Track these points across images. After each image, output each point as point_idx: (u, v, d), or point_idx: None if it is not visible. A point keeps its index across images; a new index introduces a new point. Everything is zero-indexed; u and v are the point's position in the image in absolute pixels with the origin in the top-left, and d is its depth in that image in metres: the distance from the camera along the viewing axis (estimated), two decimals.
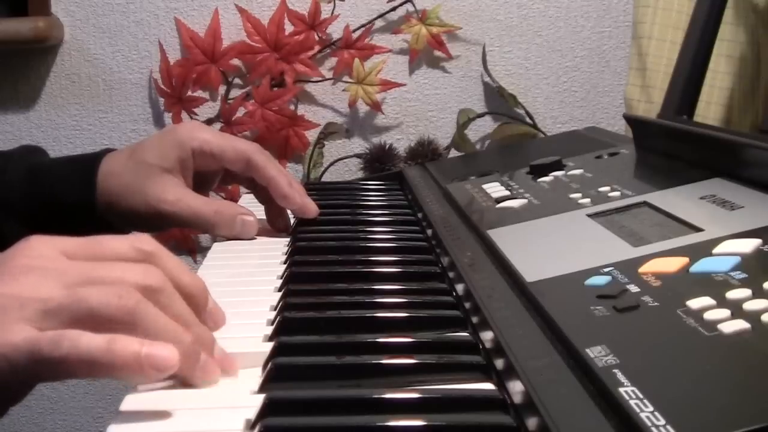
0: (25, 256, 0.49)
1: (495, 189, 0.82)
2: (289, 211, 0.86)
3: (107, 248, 0.51)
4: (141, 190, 0.79)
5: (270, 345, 0.52)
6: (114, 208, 0.81)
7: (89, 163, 0.83)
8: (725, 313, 0.43)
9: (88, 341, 0.45)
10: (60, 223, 0.82)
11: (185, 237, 1.49)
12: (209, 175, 0.84)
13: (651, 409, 0.36)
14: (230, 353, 0.51)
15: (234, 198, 1.32)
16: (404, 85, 1.47)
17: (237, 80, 1.47)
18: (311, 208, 0.83)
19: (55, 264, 0.49)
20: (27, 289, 0.47)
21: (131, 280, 0.48)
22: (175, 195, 0.79)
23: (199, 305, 0.53)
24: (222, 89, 1.47)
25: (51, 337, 0.45)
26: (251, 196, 0.92)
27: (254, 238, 0.81)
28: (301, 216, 0.83)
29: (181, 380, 0.48)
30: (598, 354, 0.42)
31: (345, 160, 1.48)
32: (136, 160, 0.80)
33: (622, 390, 0.38)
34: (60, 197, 0.81)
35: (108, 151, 0.84)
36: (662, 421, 0.35)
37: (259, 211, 0.93)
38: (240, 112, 1.45)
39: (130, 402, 0.46)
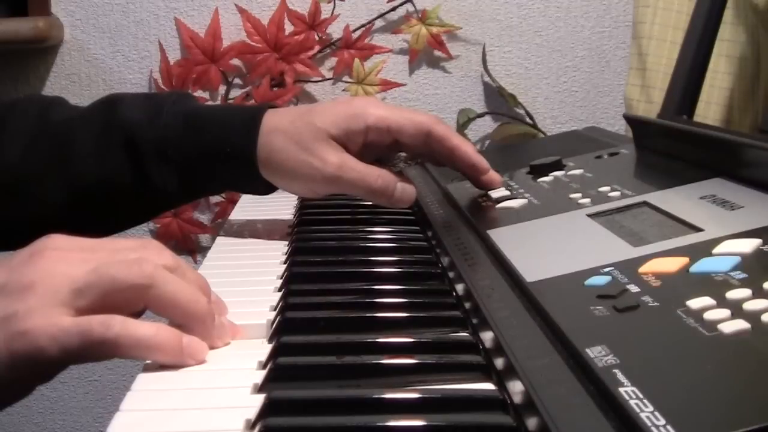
0: (48, 248, 0.52)
1: (495, 189, 0.82)
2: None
3: (119, 243, 0.55)
4: (306, 149, 0.78)
5: (270, 345, 0.52)
6: (272, 163, 0.79)
7: (253, 113, 0.81)
8: (725, 313, 0.43)
9: (137, 325, 0.49)
10: (215, 172, 0.80)
11: (185, 237, 1.49)
12: (376, 149, 0.82)
13: (651, 409, 0.36)
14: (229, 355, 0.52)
15: (235, 199, 1.32)
16: (404, 85, 1.47)
17: (237, 80, 1.47)
18: (497, 178, 0.82)
19: (76, 253, 0.52)
20: (57, 273, 0.50)
21: (148, 259, 0.52)
22: (340, 158, 0.78)
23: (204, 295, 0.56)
24: (222, 89, 1.47)
25: (101, 321, 0.48)
26: (248, 196, 0.92)
27: (410, 209, 0.84)
28: (488, 188, 0.82)
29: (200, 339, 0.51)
30: (598, 354, 0.42)
31: None
32: (306, 121, 0.79)
33: (622, 390, 0.38)
34: (219, 145, 0.79)
35: (270, 106, 0.82)
36: (662, 421, 0.35)
37: (262, 212, 0.94)
38: None
39: (130, 402, 0.46)
